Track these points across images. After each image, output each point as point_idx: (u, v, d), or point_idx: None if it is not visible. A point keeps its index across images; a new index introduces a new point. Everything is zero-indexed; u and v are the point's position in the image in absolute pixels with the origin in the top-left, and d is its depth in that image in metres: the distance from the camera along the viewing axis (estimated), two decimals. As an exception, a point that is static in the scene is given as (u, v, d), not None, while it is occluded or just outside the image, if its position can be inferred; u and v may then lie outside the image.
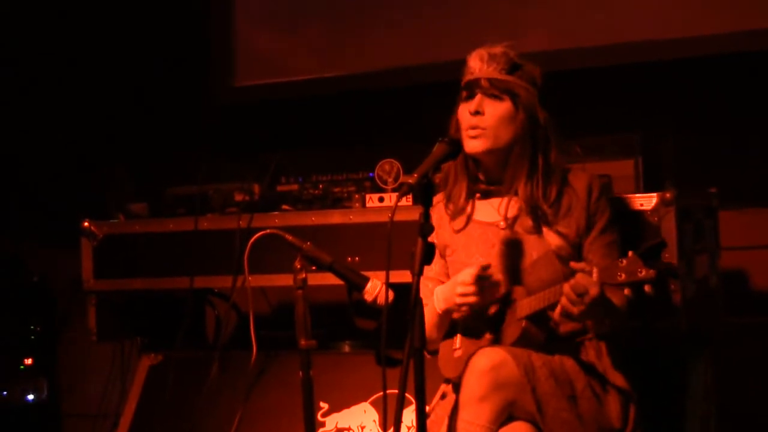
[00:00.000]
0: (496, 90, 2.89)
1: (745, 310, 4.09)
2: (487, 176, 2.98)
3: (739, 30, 4.35)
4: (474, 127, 2.88)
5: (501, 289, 2.89)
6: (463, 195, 2.98)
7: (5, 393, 4.64)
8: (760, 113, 4.26)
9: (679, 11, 4.49)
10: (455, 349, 2.95)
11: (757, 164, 4.24)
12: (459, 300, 2.82)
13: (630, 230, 3.09)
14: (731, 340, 3.69)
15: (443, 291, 2.90)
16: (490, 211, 2.98)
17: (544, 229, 2.90)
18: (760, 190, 4.20)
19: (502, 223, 2.94)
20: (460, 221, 2.99)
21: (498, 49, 2.92)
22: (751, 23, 4.32)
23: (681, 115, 4.29)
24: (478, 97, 2.90)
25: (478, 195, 2.99)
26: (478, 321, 2.92)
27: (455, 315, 2.93)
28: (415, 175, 2.63)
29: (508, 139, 2.90)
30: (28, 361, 4.72)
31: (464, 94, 2.93)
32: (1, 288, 4.73)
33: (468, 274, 2.80)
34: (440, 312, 2.90)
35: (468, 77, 2.93)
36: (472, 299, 2.81)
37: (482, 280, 2.81)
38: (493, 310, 2.89)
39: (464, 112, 2.92)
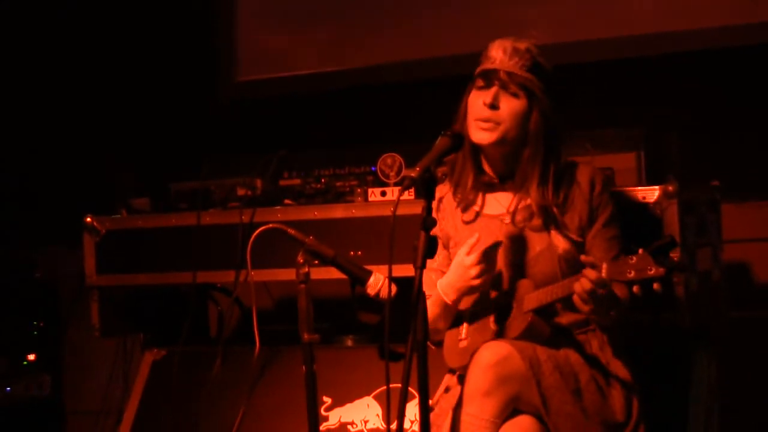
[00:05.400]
0: (514, 86, 2.85)
1: (748, 303, 4.08)
2: (493, 168, 2.97)
3: (743, 23, 4.34)
4: (486, 120, 2.86)
5: (504, 281, 2.90)
6: (470, 185, 2.97)
7: (9, 389, 4.64)
8: (763, 106, 4.26)
9: (684, 3, 4.48)
10: (461, 339, 2.95)
11: (760, 157, 4.23)
12: (476, 282, 2.82)
13: (633, 223, 3.08)
14: (734, 333, 3.69)
15: (449, 281, 2.88)
16: (496, 206, 2.98)
17: (552, 232, 2.90)
18: (762, 184, 4.20)
19: (507, 218, 2.94)
20: (470, 214, 2.99)
21: (523, 45, 2.86)
22: (756, 16, 4.31)
23: (684, 108, 4.28)
24: (495, 89, 2.85)
25: (484, 188, 2.98)
26: (485, 311, 2.92)
27: (463, 304, 2.93)
28: (418, 169, 2.62)
29: (517, 136, 2.88)
30: (32, 357, 4.72)
31: (480, 82, 2.88)
32: (5, 284, 4.73)
33: (472, 255, 2.80)
34: (451, 303, 2.89)
35: (486, 65, 2.87)
36: (487, 276, 2.82)
37: (486, 253, 2.81)
38: (493, 295, 2.89)
39: (477, 100, 2.88)
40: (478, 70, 2.91)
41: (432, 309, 2.87)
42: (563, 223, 2.89)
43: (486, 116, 2.85)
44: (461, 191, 2.99)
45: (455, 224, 3.01)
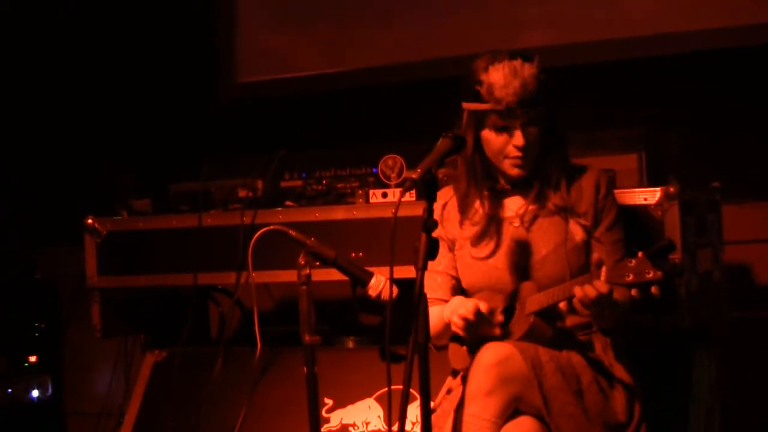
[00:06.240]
0: (530, 117, 2.86)
1: (749, 304, 4.09)
2: (505, 178, 2.98)
3: (743, 24, 4.34)
4: (520, 158, 2.88)
5: (507, 288, 2.90)
6: (486, 200, 2.98)
7: (10, 390, 4.64)
8: (762, 107, 4.26)
9: (684, 4, 4.48)
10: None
11: (760, 158, 4.23)
12: (454, 328, 2.85)
13: (634, 224, 3.09)
14: (735, 334, 3.69)
15: (453, 305, 2.89)
16: (504, 210, 2.99)
17: (571, 221, 2.92)
18: (763, 184, 4.20)
19: (516, 222, 2.95)
20: (477, 219, 2.99)
21: (528, 73, 2.82)
22: (756, 17, 4.31)
23: (685, 109, 4.28)
24: (518, 131, 2.86)
25: (497, 195, 2.99)
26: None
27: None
28: (419, 171, 2.61)
29: (538, 155, 2.92)
30: (33, 359, 4.73)
31: (497, 122, 2.86)
32: (6, 285, 4.73)
33: (470, 310, 2.80)
34: (446, 321, 2.91)
35: (496, 106, 2.83)
36: (464, 333, 2.83)
37: (481, 317, 2.81)
38: (501, 307, 2.90)
39: (500, 139, 2.88)
40: (489, 107, 2.85)
41: (434, 325, 2.87)
42: (578, 214, 2.92)
43: (520, 156, 2.88)
44: (470, 203, 3.00)
45: (459, 227, 3.02)
